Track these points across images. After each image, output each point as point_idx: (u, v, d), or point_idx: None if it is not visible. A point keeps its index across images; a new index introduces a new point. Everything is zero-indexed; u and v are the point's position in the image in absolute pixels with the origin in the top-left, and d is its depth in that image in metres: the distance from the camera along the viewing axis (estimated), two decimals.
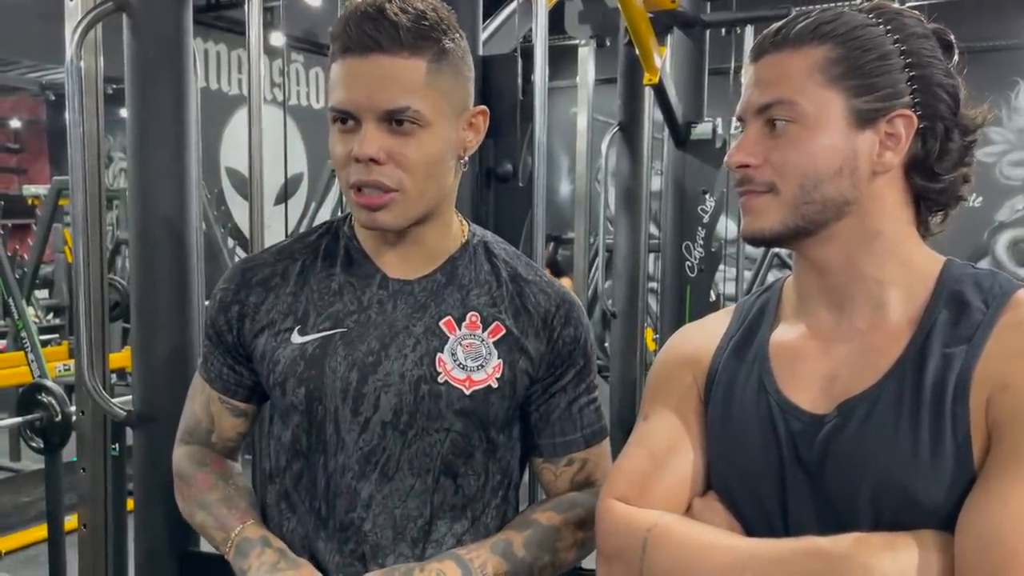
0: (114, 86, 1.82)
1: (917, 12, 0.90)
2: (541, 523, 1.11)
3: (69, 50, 1.64)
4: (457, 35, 1.05)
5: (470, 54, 1.09)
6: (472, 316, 1.09)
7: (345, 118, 1.02)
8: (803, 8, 0.91)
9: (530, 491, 2.00)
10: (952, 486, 0.80)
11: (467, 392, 1.07)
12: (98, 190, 1.77)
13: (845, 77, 0.85)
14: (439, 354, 1.07)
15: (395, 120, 1.00)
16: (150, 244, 1.73)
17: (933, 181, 0.88)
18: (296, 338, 1.09)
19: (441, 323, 1.08)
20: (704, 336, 1.02)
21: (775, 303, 0.99)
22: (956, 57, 0.89)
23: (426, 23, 1.00)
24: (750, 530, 0.91)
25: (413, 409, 1.06)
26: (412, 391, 1.06)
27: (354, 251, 1.13)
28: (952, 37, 0.89)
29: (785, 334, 0.95)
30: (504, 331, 1.09)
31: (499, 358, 1.08)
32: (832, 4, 0.93)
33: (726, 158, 0.92)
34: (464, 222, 1.17)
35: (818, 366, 0.91)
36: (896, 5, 0.90)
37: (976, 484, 0.79)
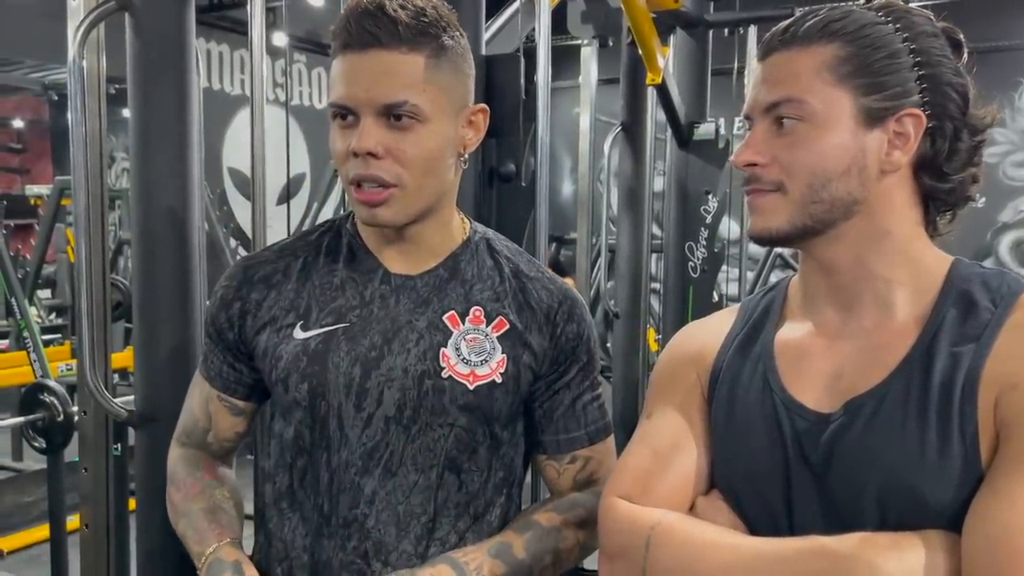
0: (116, 86, 1.82)
1: (926, 11, 0.89)
2: (541, 524, 1.11)
3: (71, 50, 1.64)
4: (457, 33, 1.06)
5: (470, 53, 1.09)
6: (476, 311, 1.09)
7: (344, 113, 1.02)
8: (810, 7, 0.91)
9: (532, 490, 2.00)
10: (959, 486, 0.79)
11: (471, 387, 1.06)
12: (100, 190, 1.77)
13: (854, 76, 0.85)
14: (443, 349, 1.07)
15: (393, 115, 1.00)
16: (153, 244, 1.72)
17: (942, 181, 0.88)
18: (298, 334, 1.09)
19: (444, 318, 1.08)
20: (708, 334, 1.01)
21: (780, 302, 0.98)
22: (965, 56, 0.88)
23: (425, 19, 1.01)
24: (754, 529, 0.91)
25: (417, 404, 1.06)
26: (416, 386, 1.06)
27: (356, 247, 1.13)
28: (961, 36, 0.89)
29: (790, 332, 0.95)
30: (508, 326, 1.09)
31: (503, 353, 1.08)
32: (838, 3, 0.92)
33: (733, 157, 0.91)
34: (466, 220, 1.17)
35: (824, 364, 0.90)
36: (905, 4, 0.89)
37: (983, 484, 0.78)
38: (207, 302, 1.74)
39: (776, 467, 0.90)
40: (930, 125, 0.86)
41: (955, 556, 0.78)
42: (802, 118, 0.86)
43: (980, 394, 0.80)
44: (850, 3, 0.92)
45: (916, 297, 0.88)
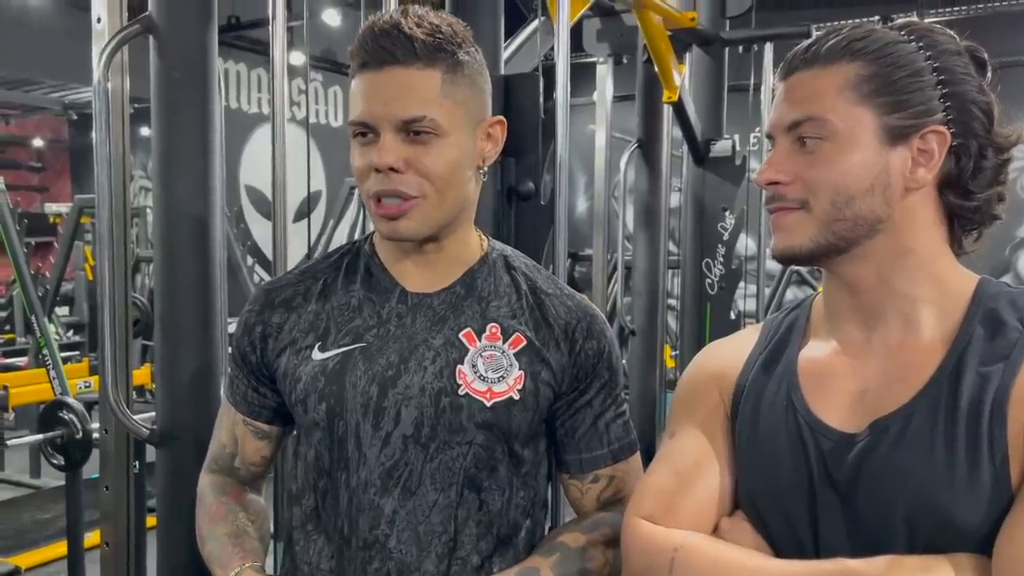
0: (135, 105, 1.84)
1: (949, 30, 0.89)
2: (568, 545, 1.10)
3: (97, 71, 1.66)
4: (472, 48, 1.07)
5: (486, 68, 1.10)
6: (492, 327, 1.09)
7: (365, 131, 1.03)
8: (830, 26, 0.91)
9: (552, 512, 1.98)
10: (989, 507, 0.78)
11: (488, 404, 1.06)
12: (123, 208, 1.79)
13: (877, 94, 0.85)
14: (459, 366, 1.07)
15: (412, 130, 1.02)
16: (175, 262, 1.74)
17: (967, 199, 0.87)
18: (317, 355, 1.09)
19: (461, 335, 1.08)
20: (731, 353, 1.01)
21: (804, 320, 0.98)
22: (989, 74, 0.88)
23: (440, 36, 1.03)
24: (779, 551, 0.90)
25: (434, 422, 1.06)
26: (433, 404, 1.06)
27: (374, 267, 1.13)
28: (985, 55, 0.88)
29: (814, 351, 0.94)
30: (525, 342, 1.09)
31: (520, 369, 1.08)
32: (853, 21, 0.92)
33: (756, 175, 0.91)
34: (484, 237, 1.17)
35: (848, 383, 0.90)
36: (928, 22, 0.89)
37: (1014, 506, 0.77)
38: (228, 320, 1.75)
39: (801, 487, 0.89)
40: (955, 143, 0.85)
41: None
42: (825, 137, 0.86)
43: (1010, 414, 0.79)
44: (863, 21, 0.91)
45: (942, 315, 0.87)
